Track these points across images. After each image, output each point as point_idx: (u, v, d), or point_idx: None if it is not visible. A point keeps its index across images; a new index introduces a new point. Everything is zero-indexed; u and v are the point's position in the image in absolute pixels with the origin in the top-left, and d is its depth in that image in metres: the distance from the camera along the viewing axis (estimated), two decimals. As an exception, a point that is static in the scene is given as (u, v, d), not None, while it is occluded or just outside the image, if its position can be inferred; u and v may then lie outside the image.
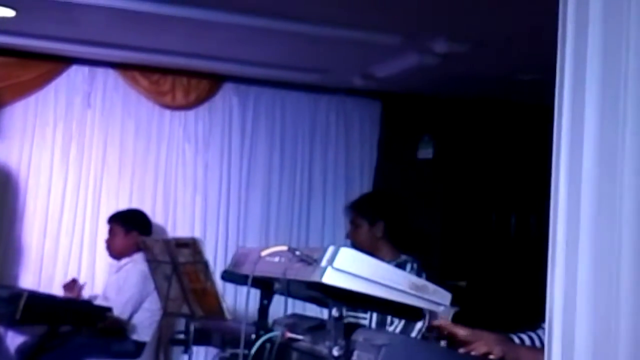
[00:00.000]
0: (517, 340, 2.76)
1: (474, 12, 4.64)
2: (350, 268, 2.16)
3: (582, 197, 1.82)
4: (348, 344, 2.22)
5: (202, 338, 3.67)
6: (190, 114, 6.46)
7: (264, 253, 2.44)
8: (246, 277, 2.47)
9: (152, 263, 4.20)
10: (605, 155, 1.80)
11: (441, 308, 2.29)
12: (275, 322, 2.64)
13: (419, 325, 3.84)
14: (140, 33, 5.45)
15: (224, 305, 3.71)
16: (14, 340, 5.65)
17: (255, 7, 4.81)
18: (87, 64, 6.19)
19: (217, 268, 3.96)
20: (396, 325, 4.00)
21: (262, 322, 2.68)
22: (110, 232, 5.69)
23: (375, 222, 4.46)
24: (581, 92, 1.86)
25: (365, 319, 4.05)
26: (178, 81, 6.34)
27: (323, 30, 5.07)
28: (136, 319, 5.41)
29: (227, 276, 2.81)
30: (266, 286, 2.65)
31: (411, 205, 5.32)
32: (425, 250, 5.49)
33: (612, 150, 1.79)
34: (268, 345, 2.44)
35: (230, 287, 4.88)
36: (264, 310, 2.72)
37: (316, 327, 2.46)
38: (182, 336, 3.88)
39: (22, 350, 5.47)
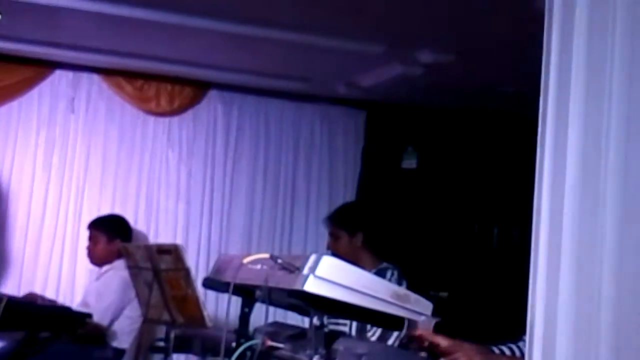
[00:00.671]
0: (497, 352, 2.77)
1: (458, 23, 4.66)
2: (332, 276, 2.16)
3: (565, 210, 1.83)
4: (329, 352, 2.21)
5: (183, 345, 3.65)
6: (174, 120, 6.45)
7: (245, 260, 2.44)
8: (228, 284, 2.46)
9: (133, 269, 4.17)
10: (589, 168, 1.80)
11: (422, 318, 2.29)
12: (256, 330, 2.62)
13: (396, 332, 3.84)
14: (125, 39, 5.44)
15: (205, 313, 3.68)
16: (-8, 345, 5.61)
17: (241, 14, 4.82)
18: (72, 69, 6.16)
19: (198, 275, 3.93)
20: (374, 332, 4.00)
21: (243, 330, 2.66)
22: (92, 238, 5.61)
23: (354, 233, 4.46)
24: (565, 104, 1.86)
25: (345, 325, 4.04)
26: (162, 87, 6.33)
27: (308, 39, 5.08)
28: (116, 326, 5.37)
29: (209, 283, 2.79)
30: (248, 294, 2.63)
31: (394, 216, 5.31)
32: (406, 257, 5.49)
33: (595, 163, 1.79)
34: (249, 353, 2.43)
35: (211, 294, 4.85)
36: (245, 318, 2.69)
37: (297, 336, 2.45)
38: (162, 343, 3.85)
39: (0, 356, 5.42)
